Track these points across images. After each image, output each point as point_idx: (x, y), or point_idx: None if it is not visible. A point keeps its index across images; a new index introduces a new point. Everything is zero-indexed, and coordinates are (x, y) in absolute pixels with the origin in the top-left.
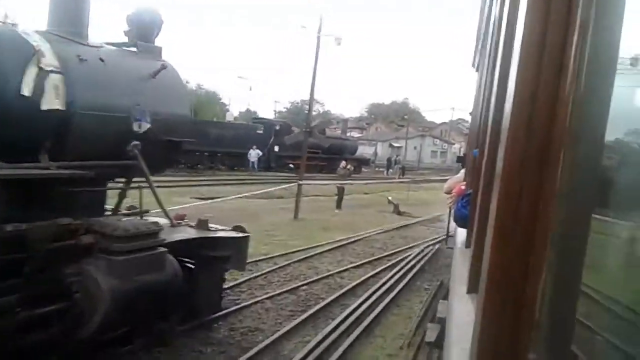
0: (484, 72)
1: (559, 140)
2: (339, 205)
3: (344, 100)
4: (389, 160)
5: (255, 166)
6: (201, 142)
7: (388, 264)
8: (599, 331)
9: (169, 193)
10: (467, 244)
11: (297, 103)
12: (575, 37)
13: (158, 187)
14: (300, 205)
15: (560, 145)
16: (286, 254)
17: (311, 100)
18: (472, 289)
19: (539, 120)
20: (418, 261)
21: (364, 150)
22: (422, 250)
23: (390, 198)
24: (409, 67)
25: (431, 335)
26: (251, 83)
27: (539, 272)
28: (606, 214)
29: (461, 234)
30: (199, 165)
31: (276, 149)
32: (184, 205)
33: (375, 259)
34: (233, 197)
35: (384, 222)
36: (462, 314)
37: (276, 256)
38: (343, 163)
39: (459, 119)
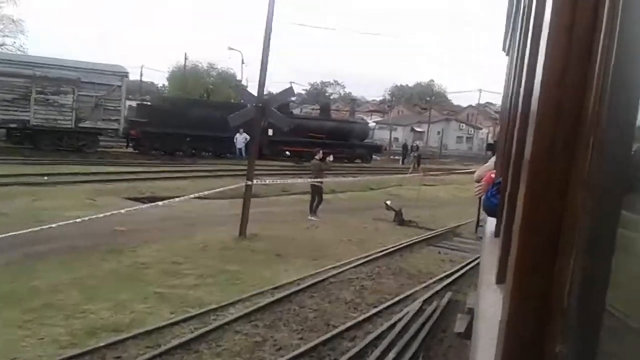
0: (514, 56)
1: (588, 125)
2: (313, 210)
3: (366, 82)
4: (404, 146)
5: (243, 153)
6: (182, 124)
7: (348, 354)
8: (629, 322)
9: (100, 192)
10: (497, 233)
11: (317, 85)
12: (604, 20)
13: (86, 181)
14: (273, 210)
15: (590, 131)
16: (159, 329)
17: (265, 57)
18: (501, 279)
19: (567, 105)
20: (410, 339)
21: (384, 136)
22: (421, 309)
23: (388, 202)
24: (436, 47)
25: (460, 326)
26: (246, 56)
27: (567, 262)
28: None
29: (491, 223)
30: (179, 152)
31: (269, 132)
32: (110, 212)
33: (328, 339)
34: (180, 198)
35: (373, 241)
36: (491, 304)
37: (132, 338)
38: (319, 153)
39: (487, 102)
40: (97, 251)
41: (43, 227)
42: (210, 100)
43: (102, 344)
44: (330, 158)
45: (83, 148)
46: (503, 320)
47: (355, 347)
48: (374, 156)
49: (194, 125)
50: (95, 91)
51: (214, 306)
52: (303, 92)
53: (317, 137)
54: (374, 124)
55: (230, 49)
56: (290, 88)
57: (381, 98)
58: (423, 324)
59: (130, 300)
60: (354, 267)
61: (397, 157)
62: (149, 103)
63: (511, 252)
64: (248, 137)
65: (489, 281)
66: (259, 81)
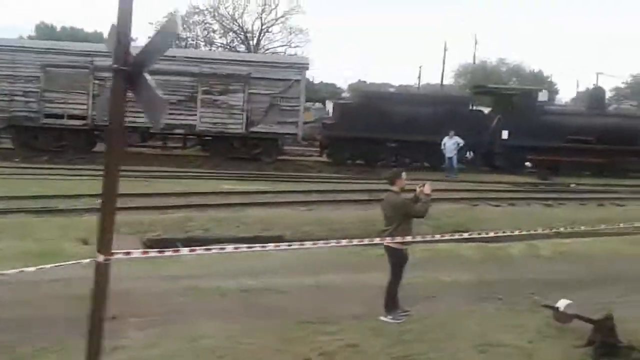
0: None
1: None
2: (388, 302)
3: None
4: None
5: (454, 165)
6: (383, 126)
7: None
8: None
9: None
10: None
11: None
12: None
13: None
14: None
15: None
16: None
17: None
18: None
19: None
20: None
21: None
22: None
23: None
24: None
25: None
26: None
27: None
28: None
29: None
30: (379, 163)
31: (505, 135)
32: None
33: None
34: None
35: None
36: None
37: None
38: (401, 175)
39: None
40: None
41: None
42: (418, 94)
43: None
44: (426, 189)
45: (259, 156)
46: None
47: None
48: None
49: (398, 127)
50: (268, 88)
51: None
52: (623, 85)
53: (581, 140)
54: None
55: None
56: (171, 18)
57: None
58: None
59: None
60: None
61: None
62: (347, 102)
63: None
64: (461, 142)
65: None
66: (118, 22)
